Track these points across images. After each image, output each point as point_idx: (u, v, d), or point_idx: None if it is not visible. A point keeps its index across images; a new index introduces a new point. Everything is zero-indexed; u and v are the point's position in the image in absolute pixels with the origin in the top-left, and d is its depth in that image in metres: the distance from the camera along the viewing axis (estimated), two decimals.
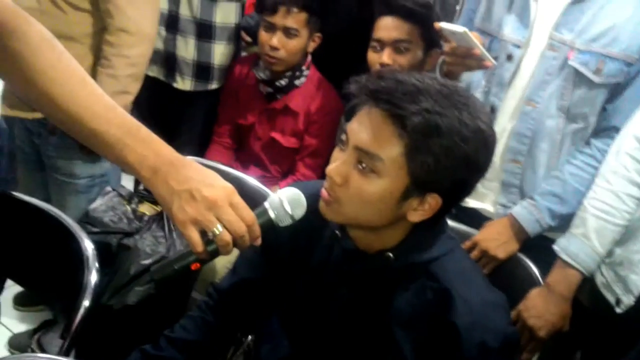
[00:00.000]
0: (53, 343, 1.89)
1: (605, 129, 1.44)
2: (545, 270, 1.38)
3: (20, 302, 2.23)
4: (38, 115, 1.81)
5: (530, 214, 1.45)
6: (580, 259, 1.34)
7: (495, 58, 1.44)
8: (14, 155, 2.08)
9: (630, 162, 1.31)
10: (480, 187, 1.44)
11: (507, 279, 1.41)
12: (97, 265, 1.25)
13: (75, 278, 1.23)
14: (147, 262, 1.64)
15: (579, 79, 1.41)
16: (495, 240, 1.45)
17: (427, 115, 0.90)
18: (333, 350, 1.08)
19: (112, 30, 1.74)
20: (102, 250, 1.49)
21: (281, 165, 2.18)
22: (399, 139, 0.91)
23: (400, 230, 1.01)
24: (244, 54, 2.33)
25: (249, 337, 1.36)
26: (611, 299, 1.35)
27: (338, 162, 0.96)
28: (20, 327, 2.16)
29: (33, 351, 1.87)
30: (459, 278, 0.99)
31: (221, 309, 1.19)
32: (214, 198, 0.84)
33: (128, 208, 1.78)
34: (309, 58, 2.11)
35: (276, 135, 2.14)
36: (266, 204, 0.92)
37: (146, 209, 1.80)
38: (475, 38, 1.37)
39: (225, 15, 2.15)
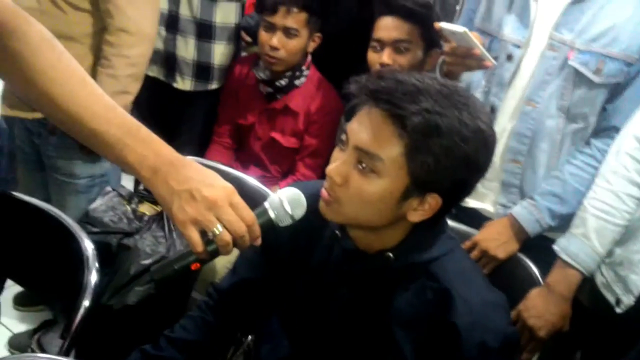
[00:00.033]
0: (53, 343, 1.89)
1: (605, 129, 1.44)
2: (545, 270, 1.38)
3: (20, 302, 2.23)
4: (38, 115, 1.81)
5: (530, 214, 1.45)
6: (580, 259, 1.34)
7: (495, 58, 1.44)
8: (14, 155, 2.08)
9: (630, 162, 1.31)
10: (480, 187, 1.44)
11: (507, 279, 1.41)
12: (97, 265, 1.25)
13: (75, 278, 1.23)
14: (147, 262, 1.64)
15: (579, 79, 1.41)
16: (495, 240, 1.45)
17: (427, 115, 0.90)
18: (333, 351, 1.08)
19: (112, 30, 1.73)
20: (102, 250, 1.49)
21: (281, 165, 2.18)
22: (399, 139, 0.91)
23: (400, 230, 1.01)
24: (244, 54, 2.33)
25: (249, 337, 1.36)
26: (611, 299, 1.35)
27: (338, 162, 0.97)
28: (20, 327, 2.16)
29: (33, 351, 1.87)
30: (459, 278, 0.99)
31: (221, 309, 1.19)
32: (214, 198, 0.84)
33: (128, 208, 1.78)
34: (309, 58, 2.11)
35: (276, 135, 2.14)
36: (266, 204, 0.92)
37: (146, 209, 1.80)
38: (475, 38, 1.37)
39: (225, 15, 2.15)
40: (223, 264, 1.68)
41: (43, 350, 1.87)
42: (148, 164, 0.86)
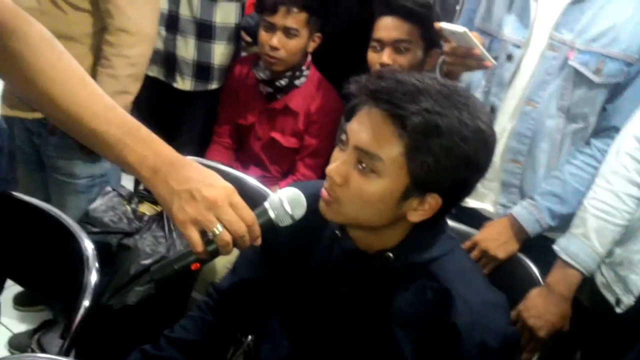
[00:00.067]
0: (53, 343, 1.89)
1: (605, 129, 1.44)
2: (545, 270, 1.38)
3: (20, 302, 2.23)
4: (38, 115, 1.81)
5: (530, 214, 1.45)
6: (580, 259, 1.34)
7: (495, 58, 1.44)
8: (14, 155, 2.08)
9: (630, 162, 1.31)
10: (480, 187, 1.44)
11: (507, 279, 1.41)
12: (97, 265, 1.25)
13: (75, 278, 1.23)
14: (147, 262, 1.64)
15: (579, 79, 1.41)
16: (495, 240, 1.45)
17: (427, 115, 0.90)
18: (333, 351, 1.08)
19: (112, 30, 1.73)
20: (102, 250, 1.49)
21: (281, 165, 2.18)
22: (399, 139, 0.91)
23: (400, 230, 1.01)
24: (243, 54, 2.33)
25: (249, 337, 1.36)
26: (611, 299, 1.35)
27: (338, 162, 0.97)
28: (20, 327, 2.16)
29: (33, 351, 1.87)
30: (459, 278, 0.99)
31: (221, 309, 1.19)
32: (214, 198, 0.84)
33: (128, 208, 1.78)
34: (309, 58, 2.11)
35: (276, 135, 2.14)
36: (266, 204, 0.92)
37: (146, 209, 1.80)
38: (475, 38, 1.37)
39: (225, 15, 2.15)
40: (223, 264, 1.68)
41: (43, 351, 1.87)
42: (148, 164, 0.86)
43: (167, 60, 2.18)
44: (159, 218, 1.75)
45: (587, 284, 1.37)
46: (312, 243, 1.10)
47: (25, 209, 1.39)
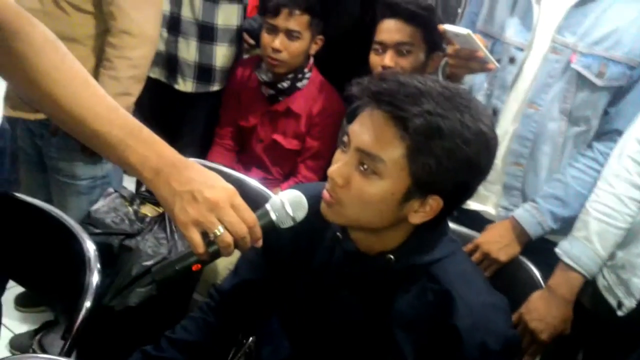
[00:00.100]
0: (54, 344, 1.89)
1: (608, 132, 1.44)
2: (547, 273, 1.38)
3: (21, 302, 2.23)
4: (40, 116, 1.82)
5: (532, 217, 1.45)
6: (582, 262, 1.33)
7: (498, 61, 1.44)
8: (16, 156, 2.08)
9: (632, 165, 1.31)
10: (482, 189, 1.45)
11: (509, 281, 1.41)
12: (98, 266, 1.25)
13: (77, 279, 1.23)
14: (148, 263, 1.64)
15: (581, 82, 1.41)
16: (497, 243, 1.45)
17: (429, 117, 0.90)
18: (334, 352, 1.08)
19: (115, 32, 1.74)
20: (104, 251, 1.49)
21: (283, 167, 2.19)
22: (400, 141, 0.91)
23: (402, 232, 1.00)
24: (246, 56, 2.33)
25: (250, 338, 1.36)
26: (613, 302, 1.34)
27: (340, 164, 0.97)
28: (22, 328, 2.16)
29: (34, 352, 1.87)
30: (460, 280, 0.99)
31: (222, 310, 1.19)
32: (215, 199, 0.84)
33: (130, 209, 1.78)
34: (311, 60, 2.11)
35: (278, 137, 2.14)
36: (267, 206, 0.92)
37: (148, 210, 1.81)
38: (478, 40, 1.37)
39: (227, 17, 2.15)
40: (225, 265, 1.68)
41: (44, 351, 1.87)
42: (150, 165, 0.86)
43: (168, 61, 2.18)
44: (160, 219, 1.76)
45: (589, 286, 1.37)
46: (314, 245, 1.10)
47: (27, 210, 1.39)
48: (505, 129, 1.50)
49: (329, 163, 1.00)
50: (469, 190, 0.99)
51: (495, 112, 1.49)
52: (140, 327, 1.55)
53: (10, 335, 2.12)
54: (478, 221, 1.54)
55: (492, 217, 1.56)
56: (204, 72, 2.17)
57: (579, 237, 1.35)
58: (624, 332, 1.33)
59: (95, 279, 1.23)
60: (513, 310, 1.31)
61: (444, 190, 0.95)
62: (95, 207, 1.78)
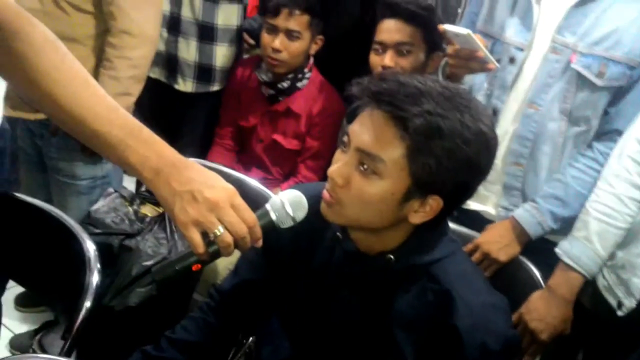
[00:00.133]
0: (54, 344, 1.89)
1: (608, 132, 1.44)
2: (547, 273, 1.38)
3: (21, 302, 2.23)
4: (40, 116, 1.82)
5: (532, 217, 1.45)
6: (583, 262, 1.33)
7: (498, 61, 1.44)
8: (16, 156, 2.08)
9: (632, 165, 1.31)
10: (482, 189, 1.45)
11: (509, 281, 1.41)
12: (98, 266, 1.25)
13: (77, 279, 1.23)
14: (148, 263, 1.64)
15: (581, 82, 1.41)
16: (497, 243, 1.45)
17: (429, 117, 0.90)
18: (334, 352, 1.08)
19: (115, 32, 1.74)
20: (104, 251, 1.49)
21: (283, 167, 2.19)
22: (400, 141, 0.91)
23: (402, 232, 1.00)
24: (246, 56, 2.33)
25: (250, 338, 1.36)
26: (613, 302, 1.34)
27: (340, 164, 0.97)
28: (22, 328, 2.16)
29: (34, 352, 1.87)
30: (460, 280, 0.99)
31: (222, 310, 1.19)
32: (215, 199, 0.84)
33: (130, 209, 1.78)
34: (311, 60, 2.11)
35: (278, 137, 2.14)
36: (267, 206, 0.92)
37: (148, 210, 1.81)
38: (478, 40, 1.37)
39: (227, 17, 2.15)
40: (225, 265, 1.68)
41: (44, 351, 1.87)
42: (150, 165, 0.86)
43: (168, 61, 2.18)
44: (160, 219, 1.76)
45: (589, 286, 1.37)
46: (314, 245, 1.10)
47: (27, 210, 1.39)
48: (505, 129, 1.50)
49: (329, 163, 1.00)
50: (469, 190, 0.99)
51: (495, 112, 1.49)
52: (140, 327, 1.55)
53: (10, 335, 2.12)
54: (478, 221, 1.54)
55: (492, 217, 1.56)
56: (204, 72, 2.17)
57: (579, 237, 1.35)
58: (624, 332, 1.33)
59: (95, 279, 1.23)
60: (513, 310, 1.30)
61: (444, 190, 0.95)
62: (95, 207, 1.78)
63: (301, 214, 0.94)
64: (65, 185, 1.93)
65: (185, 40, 2.14)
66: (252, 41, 2.24)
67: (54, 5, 1.72)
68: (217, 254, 0.87)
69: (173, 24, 2.13)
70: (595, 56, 1.39)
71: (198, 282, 1.72)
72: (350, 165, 0.95)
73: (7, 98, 1.87)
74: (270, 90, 2.11)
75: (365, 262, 1.04)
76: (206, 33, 2.13)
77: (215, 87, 2.21)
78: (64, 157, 1.89)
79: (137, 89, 1.81)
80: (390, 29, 1.81)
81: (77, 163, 1.89)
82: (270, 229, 0.91)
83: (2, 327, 2.09)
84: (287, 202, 0.92)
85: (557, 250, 1.37)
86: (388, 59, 1.80)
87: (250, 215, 0.87)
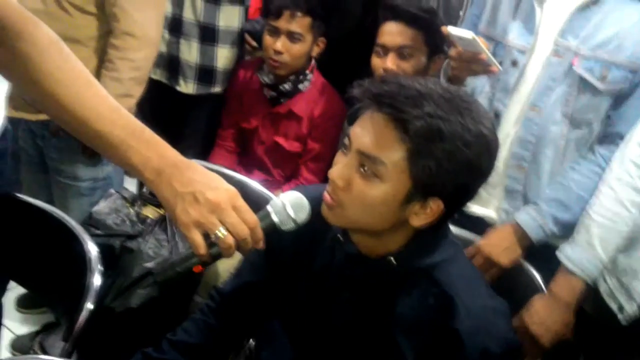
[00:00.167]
0: (55, 345, 1.89)
1: (610, 136, 1.44)
2: (548, 277, 1.38)
3: (22, 304, 2.23)
4: (42, 117, 1.82)
5: (533, 220, 1.45)
6: (584, 266, 1.33)
7: (500, 63, 1.43)
8: (18, 156, 2.09)
9: (634, 169, 1.31)
10: (483, 192, 1.45)
11: (510, 285, 1.40)
12: (100, 267, 1.25)
13: (78, 280, 1.23)
14: (150, 264, 1.64)
15: (583, 85, 1.41)
16: (498, 246, 1.45)
17: (430, 120, 0.90)
18: (335, 355, 1.08)
19: (118, 34, 1.74)
20: (105, 252, 1.48)
21: (284, 170, 2.19)
22: (401, 143, 0.91)
23: (403, 234, 1.00)
24: (247, 58, 2.34)
25: (250, 340, 1.36)
26: (614, 306, 1.34)
27: (340, 166, 0.97)
28: (23, 329, 2.16)
29: (35, 353, 1.87)
30: (461, 284, 0.99)
31: (223, 311, 1.19)
32: (217, 201, 0.84)
33: (131, 211, 1.78)
34: (313, 62, 2.11)
35: (279, 140, 2.14)
36: (269, 208, 0.92)
37: (149, 212, 1.81)
38: (482, 43, 1.37)
39: (229, 18, 2.15)
40: (226, 267, 1.68)
41: (45, 353, 1.88)
42: (152, 165, 0.86)
43: (170, 63, 2.18)
44: (161, 221, 1.76)
45: (591, 292, 1.37)
46: (315, 247, 1.10)
47: (29, 211, 1.39)
48: (507, 132, 1.50)
49: (330, 165, 1.00)
50: (469, 193, 0.99)
51: (497, 115, 1.49)
52: (141, 329, 1.55)
53: (12, 336, 2.12)
54: (479, 225, 1.54)
55: (494, 221, 1.56)
56: (205, 73, 2.18)
57: (581, 241, 1.35)
58: (625, 337, 1.32)
59: (96, 280, 1.23)
60: (514, 314, 1.30)
61: (445, 193, 0.95)
62: (96, 208, 1.78)
63: (302, 215, 0.94)
64: (66, 186, 1.93)
65: (186, 42, 2.15)
66: (254, 43, 2.24)
67: (56, 6, 1.72)
68: (218, 256, 0.87)
69: (175, 26, 2.13)
70: (598, 60, 1.39)
71: (199, 284, 1.72)
72: (351, 168, 0.95)
73: (10, 99, 1.88)
74: (272, 92, 2.11)
75: (366, 264, 1.04)
76: (208, 34, 2.14)
77: (217, 89, 2.21)
78: (65, 158, 1.89)
79: (138, 91, 1.81)
80: (392, 32, 1.81)
81: (78, 164, 1.89)
82: (271, 231, 0.91)
83: (3, 328, 2.09)
84: (289, 204, 0.92)
85: (558, 254, 1.37)
86: (390, 61, 1.80)
87: (252, 217, 0.87)
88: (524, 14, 1.47)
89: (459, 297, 0.96)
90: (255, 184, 1.73)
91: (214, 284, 1.68)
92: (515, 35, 1.48)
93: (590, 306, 1.40)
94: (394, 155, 0.92)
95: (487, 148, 0.95)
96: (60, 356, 1.18)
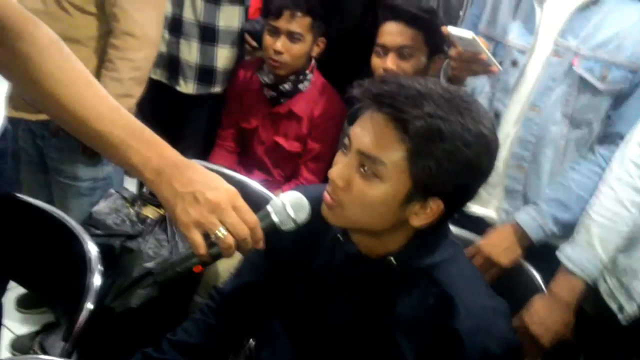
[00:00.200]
0: (55, 345, 1.89)
1: (610, 136, 1.44)
2: (548, 277, 1.38)
3: (22, 304, 2.23)
4: (42, 117, 1.82)
5: (533, 220, 1.45)
6: (584, 266, 1.33)
7: (500, 63, 1.44)
8: (18, 156, 2.09)
9: (634, 169, 1.31)
10: (483, 192, 1.45)
11: (510, 285, 1.40)
12: (100, 267, 1.25)
13: (78, 280, 1.23)
14: (149, 264, 1.64)
15: (583, 85, 1.41)
16: (498, 246, 1.45)
17: (430, 120, 0.90)
18: (335, 355, 1.08)
19: (118, 34, 1.74)
20: (105, 252, 1.49)
21: (284, 170, 2.19)
22: (401, 143, 0.91)
23: (403, 234, 1.00)
24: (247, 58, 2.34)
25: (250, 340, 1.36)
26: (614, 306, 1.34)
27: (340, 166, 0.97)
28: (23, 329, 2.16)
29: (35, 353, 1.87)
30: (461, 284, 0.99)
31: (223, 311, 1.19)
32: (217, 201, 0.84)
33: (131, 211, 1.78)
34: (313, 62, 2.11)
35: (279, 140, 2.14)
36: (269, 208, 0.92)
37: (149, 212, 1.81)
38: (482, 43, 1.37)
39: (229, 18, 2.15)
40: (226, 268, 1.68)
41: (45, 353, 1.88)
42: (152, 165, 0.86)
43: (170, 63, 2.18)
44: (161, 221, 1.76)
45: (591, 292, 1.37)
46: (315, 247, 1.10)
47: (29, 211, 1.39)
48: (507, 132, 1.50)
49: (330, 165, 1.00)
50: (469, 193, 0.99)
51: (497, 115, 1.49)
52: (141, 329, 1.55)
53: (12, 336, 2.12)
54: (479, 225, 1.54)
55: (494, 221, 1.56)
56: (205, 73, 2.18)
57: (581, 241, 1.34)
58: (625, 337, 1.32)
59: (96, 280, 1.23)
60: (514, 314, 1.30)
61: (445, 193, 0.95)
62: (96, 208, 1.78)
63: (302, 215, 0.94)
64: (66, 186, 1.93)
65: (186, 42, 2.15)
66: (254, 43, 2.24)
67: (56, 6, 1.72)
68: (218, 255, 0.87)
69: (175, 26, 2.14)
70: (598, 60, 1.39)
71: (199, 284, 1.72)
72: (351, 167, 0.95)
73: (10, 99, 1.88)
74: (272, 92, 2.11)
75: (367, 264, 1.04)
76: (208, 34, 2.14)
77: (217, 89, 2.22)
78: (65, 158, 1.89)
79: (138, 91, 1.81)
80: (392, 32, 1.81)
81: (78, 164, 1.89)
82: (271, 231, 0.91)
83: (3, 328, 2.10)
84: (289, 204, 0.92)
85: (558, 254, 1.37)
86: (390, 61, 1.80)
87: (252, 217, 0.87)
88: (524, 14, 1.47)
89: (459, 297, 0.96)
90: (255, 184, 1.73)
91: (214, 284, 1.68)
92: (515, 35, 1.48)
93: (590, 306, 1.40)
94: (394, 155, 0.92)
95: (487, 148, 0.95)
96: (60, 356, 1.18)
